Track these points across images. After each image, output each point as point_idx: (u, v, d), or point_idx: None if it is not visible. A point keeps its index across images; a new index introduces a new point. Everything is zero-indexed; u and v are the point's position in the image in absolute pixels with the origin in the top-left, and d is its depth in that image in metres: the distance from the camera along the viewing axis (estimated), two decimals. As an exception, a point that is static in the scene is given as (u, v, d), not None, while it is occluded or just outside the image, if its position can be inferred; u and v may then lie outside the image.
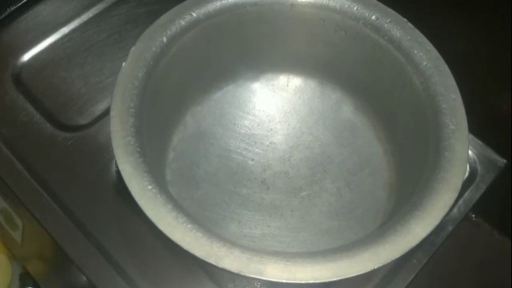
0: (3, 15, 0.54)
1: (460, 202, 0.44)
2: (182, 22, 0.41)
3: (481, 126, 0.42)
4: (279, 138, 0.46)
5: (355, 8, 0.42)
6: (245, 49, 0.46)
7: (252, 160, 0.45)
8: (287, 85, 0.48)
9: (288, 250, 0.40)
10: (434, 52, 0.40)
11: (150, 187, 0.34)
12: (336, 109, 0.47)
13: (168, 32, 0.41)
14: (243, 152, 0.45)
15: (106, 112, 0.47)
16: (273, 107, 0.47)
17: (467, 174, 0.45)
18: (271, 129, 0.46)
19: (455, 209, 0.44)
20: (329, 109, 0.47)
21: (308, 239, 0.41)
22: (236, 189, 0.43)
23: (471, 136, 0.43)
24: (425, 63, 0.40)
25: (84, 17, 0.54)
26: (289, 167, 0.45)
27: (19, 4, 0.54)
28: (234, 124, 0.46)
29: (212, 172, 0.44)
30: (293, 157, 0.45)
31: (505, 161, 0.46)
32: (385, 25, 0.42)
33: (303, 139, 0.46)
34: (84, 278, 0.40)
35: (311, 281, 0.31)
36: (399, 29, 0.41)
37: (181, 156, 0.44)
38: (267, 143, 0.46)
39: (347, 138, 0.46)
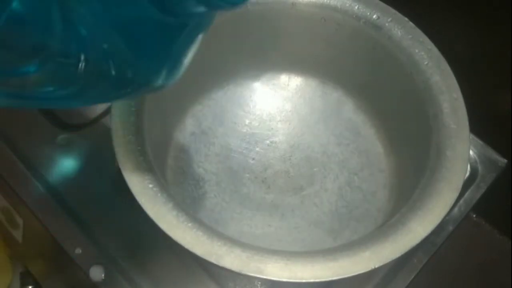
0: (4, 14, 0.54)
1: (461, 201, 0.44)
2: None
3: (482, 125, 0.42)
4: (279, 137, 0.46)
5: (356, 7, 0.42)
6: (246, 48, 0.46)
7: (253, 159, 0.45)
8: (288, 84, 0.48)
9: (288, 249, 0.40)
10: (435, 51, 0.40)
11: (150, 185, 0.34)
12: (337, 108, 0.47)
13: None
14: (244, 151, 0.45)
15: (107, 111, 0.47)
16: (274, 106, 0.47)
17: (467, 174, 0.45)
18: (272, 128, 0.46)
19: (456, 209, 0.44)
20: (330, 109, 0.47)
21: (309, 239, 0.41)
22: (236, 188, 0.43)
23: (472, 136, 0.43)
24: (426, 62, 0.40)
25: (85, 16, 0.54)
26: (290, 166, 0.45)
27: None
28: (235, 123, 0.46)
29: (212, 171, 0.44)
30: (293, 156, 0.45)
31: (505, 161, 0.46)
32: (386, 24, 0.42)
33: (303, 138, 0.46)
34: (85, 276, 0.40)
35: (312, 280, 0.31)
36: (400, 28, 0.41)
37: (182, 155, 0.44)
38: (268, 142, 0.46)
39: (348, 138, 0.46)
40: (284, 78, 0.48)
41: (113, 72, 0.23)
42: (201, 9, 0.24)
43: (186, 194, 0.42)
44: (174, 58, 0.26)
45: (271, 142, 0.46)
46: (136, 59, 0.24)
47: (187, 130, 0.45)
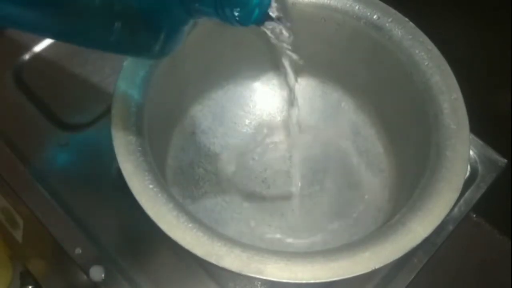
0: (4, 14, 0.54)
1: (461, 202, 0.44)
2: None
3: (482, 126, 0.42)
4: (279, 137, 0.46)
5: (356, 7, 0.42)
6: (245, 49, 0.46)
7: (253, 159, 0.45)
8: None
9: (288, 249, 0.40)
10: (436, 52, 0.40)
11: (151, 186, 0.34)
12: (337, 108, 0.47)
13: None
14: (244, 151, 0.45)
15: (107, 111, 0.47)
16: (274, 106, 0.47)
17: (467, 174, 0.45)
18: (272, 128, 0.46)
19: (456, 209, 0.44)
20: (330, 108, 0.47)
21: (309, 239, 0.41)
22: (236, 188, 0.43)
23: (471, 136, 0.43)
24: (426, 63, 0.40)
25: (85, 16, 0.54)
26: (290, 166, 0.44)
27: (20, 3, 0.54)
28: (235, 123, 0.46)
29: (212, 171, 0.44)
30: (293, 156, 0.45)
31: (505, 161, 0.46)
32: (387, 25, 0.42)
33: (303, 138, 0.46)
34: (85, 276, 0.40)
35: (312, 281, 0.31)
36: (400, 29, 0.41)
37: (182, 155, 0.44)
38: (268, 142, 0.46)
39: (348, 137, 0.46)
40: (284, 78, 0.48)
41: (118, 22, 0.25)
42: (213, 18, 0.27)
43: (186, 194, 0.42)
44: (173, 28, 0.29)
45: (271, 141, 0.46)
46: (140, 14, 0.27)
47: (187, 130, 0.45)
